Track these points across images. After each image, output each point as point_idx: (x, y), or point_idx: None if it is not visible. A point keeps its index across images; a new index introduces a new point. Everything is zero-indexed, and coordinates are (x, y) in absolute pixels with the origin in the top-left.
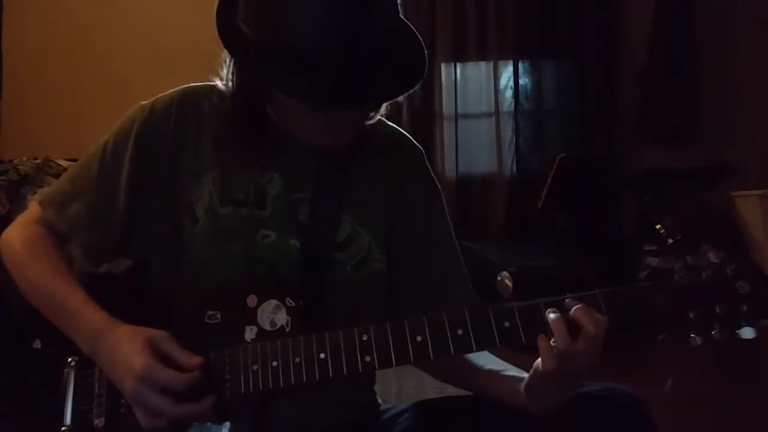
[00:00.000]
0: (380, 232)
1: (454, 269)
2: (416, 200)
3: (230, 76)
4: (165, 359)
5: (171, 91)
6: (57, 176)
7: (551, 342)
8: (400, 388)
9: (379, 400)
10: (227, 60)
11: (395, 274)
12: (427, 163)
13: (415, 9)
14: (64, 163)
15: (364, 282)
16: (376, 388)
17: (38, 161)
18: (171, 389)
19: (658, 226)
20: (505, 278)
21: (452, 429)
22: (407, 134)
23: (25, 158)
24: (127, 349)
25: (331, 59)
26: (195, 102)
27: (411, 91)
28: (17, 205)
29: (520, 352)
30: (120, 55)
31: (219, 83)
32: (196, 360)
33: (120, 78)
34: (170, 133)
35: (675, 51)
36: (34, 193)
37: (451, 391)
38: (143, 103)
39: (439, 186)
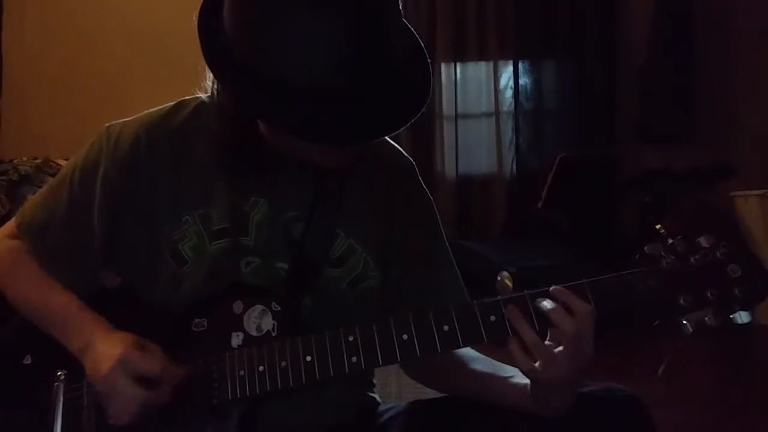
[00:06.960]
0: (376, 248)
1: (451, 283)
2: (411, 215)
3: (215, 91)
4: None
5: (134, 122)
6: None
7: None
8: (400, 388)
9: (379, 400)
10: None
11: (390, 290)
12: (419, 175)
13: (415, 9)
14: (64, 163)
15: (358, 299)
16: (376, 389)
17: (38, 161)
18: (147, 377)
19: (658, 226)
20: (505, 278)
21: (449, 429)
22: (396, 144)
23: (25, 158)
24: (112, 342)
25: (338, 94)
26: (166, 132)
27: (416, 117)
28: (17, 205)
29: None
30: (120, 55)
31: (202, 96)
32: (179, 370)
33: (120, 78)
34: (142, 173)
35: (675, 51)
36: (34, 193)
37: None
38: (110, 128)
39: (431, 197)
